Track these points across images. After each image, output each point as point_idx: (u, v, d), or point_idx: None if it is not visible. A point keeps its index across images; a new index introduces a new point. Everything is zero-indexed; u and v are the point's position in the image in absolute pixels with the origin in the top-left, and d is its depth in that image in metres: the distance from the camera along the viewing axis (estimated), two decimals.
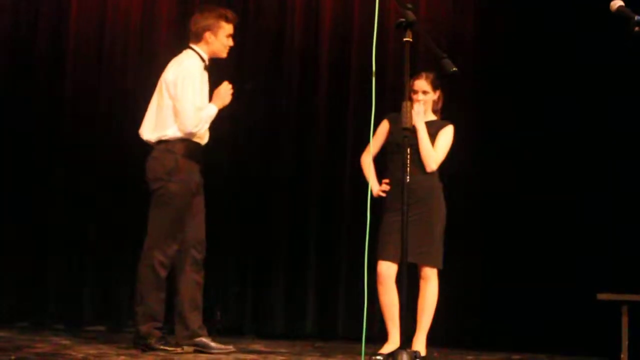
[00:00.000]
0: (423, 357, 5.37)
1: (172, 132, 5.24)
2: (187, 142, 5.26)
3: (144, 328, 5.20)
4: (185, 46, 5.45)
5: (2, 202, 7.31)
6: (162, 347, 5.17)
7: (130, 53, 7.60)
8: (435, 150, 5.46)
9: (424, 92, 5.53)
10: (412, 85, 5.49)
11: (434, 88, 5.58)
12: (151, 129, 5.33)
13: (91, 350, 5.14)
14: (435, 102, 5.64)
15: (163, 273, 5.25)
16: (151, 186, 5.29)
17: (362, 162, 5.64)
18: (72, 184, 7.39)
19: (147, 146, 5.40)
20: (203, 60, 5.38)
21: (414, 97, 5.50)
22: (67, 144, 7.47)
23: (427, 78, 5.53)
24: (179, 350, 5.20)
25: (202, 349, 5.27)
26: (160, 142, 5.28)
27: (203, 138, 5.38)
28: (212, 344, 5.32)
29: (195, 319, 5.34)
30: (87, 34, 7.60)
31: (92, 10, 7.62)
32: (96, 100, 7.53)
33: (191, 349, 5.30)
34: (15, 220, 7.27)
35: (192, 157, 5.28)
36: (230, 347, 5.41)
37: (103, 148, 7.43)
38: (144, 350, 5.13)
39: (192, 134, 5.24)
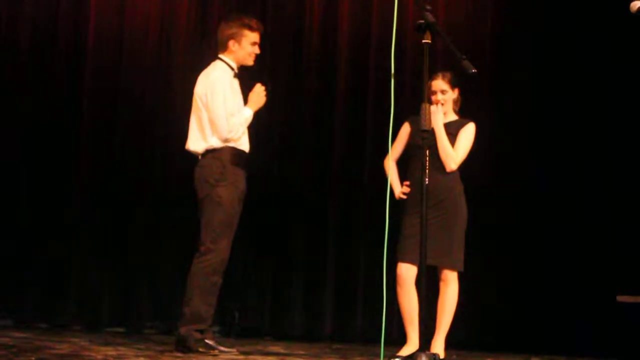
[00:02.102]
0: (442, 359, 5.36)
1: (214, 141, 5.37)
2: (232, 150, 5.37)
3: (183, 329, 5.25)
4: (208, 51, 5.53)
5: (23, 203, 7.33)
6: (200, 349, 5.20)
7: (150, 44, 7.61)
8: (455, 150, 5.44)
9: (443, 92, 5.52)
10: (430, 86, 5.48)
11: (452, 86, 5.56)
12: (196, 141, 5.44)
13: (110, 351, 5.16)
14: (455, 101, 5.62)
15: (216, 278, 5.32)
16: (200, 193, 5.38)
17: (385, 165, 5.63)
18: (92, 184, 7.40)
19: (188, 154, 5.49)
20: (232, 69, 5.48)
21: (433, 97, 5.49)
22: (87, 141, 7.48)
23: (444, 77, 5.51)
24: (214, 352, 5.21)
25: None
26: (207, 151, 5.39)
27: (245, 145, 5.47)
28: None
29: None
30: (107, 30, 7.60)
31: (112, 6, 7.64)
32: (114, 99, 7.54)
33: (234, 350, 5.33)
34: (35, 221, 7.29)
35: (238, 164, 5.39)
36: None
37: (122, 148, 7.44)
38: (182, 352, 5.16)
39: (230, 140, 5.36)
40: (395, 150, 5.58)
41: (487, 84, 7.15)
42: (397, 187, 5.53)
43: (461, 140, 5.48)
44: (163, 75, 7.48)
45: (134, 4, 7.61)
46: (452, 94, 5.57)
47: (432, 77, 5.51)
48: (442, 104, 5.50)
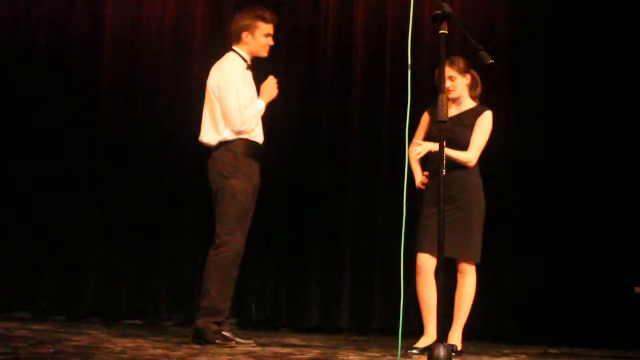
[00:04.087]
0: (459, 351, 5.35)
1: (228, 134, 5.36)
2: (245, 142, 5.36)
3: (200, 322, 5.27)
4: (224, 46, 5.56)
5: (42, 198, 7.36)
6: (217, 341, 5.20)
7: (166, 40, 7.62)
8: (471, 144, 5.40)
9: (451, 78, 5.42)
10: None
11: (462, 72, 5.47)
12: (209, 133, 5.44)
13: (129, 343, 5.17)
14: (469, 87, 5.56)
15: (232, 271, 5.33)
16: (214, 186, 5.38)
17: (409, 154, 5.61)
18: (110, 180, 7.43)
19: (204, 148, 5.49)
20: (245, 61, 5.47)
21: (445, 86, 5.42)
22: (103, 138, 7.52)
23: (451, 64, 5.38)
24: (232, 344, 5.22)
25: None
26: (220, 144, 5.38)
27: (259, 137, 5.46)
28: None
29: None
30: (123, 27, 7.63)
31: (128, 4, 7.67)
32: (133, 93, 7.57)
33: (251, 342, 5.35)
34: (54, 216, 7.33)
35: (252, 156, 5.39)
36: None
37: (139, 142, 7.47)
38: (200, 344, 5.17)
39: (243, 132, 5.34)
40: (418, 138, 5.56)
41: (503, 76, 7.11)
42: (418, 176, 5.53)
43: (476, 134, 5.42)
44: (179, 68, 7.50)
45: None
46: (463, 80, 5.49)
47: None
48: (452, 91, 5.41)
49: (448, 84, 5.40)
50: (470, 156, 5.40)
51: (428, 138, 5.49)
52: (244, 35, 5.46)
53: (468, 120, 5.45)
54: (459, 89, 5.48)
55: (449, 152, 5.23)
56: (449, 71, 5.40)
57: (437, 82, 5.32)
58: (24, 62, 7.58)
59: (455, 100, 5.46)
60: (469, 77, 5.51)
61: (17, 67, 7.56)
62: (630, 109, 6.96)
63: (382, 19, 7.50)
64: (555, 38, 7.18)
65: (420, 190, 5.48)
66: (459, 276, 5.40)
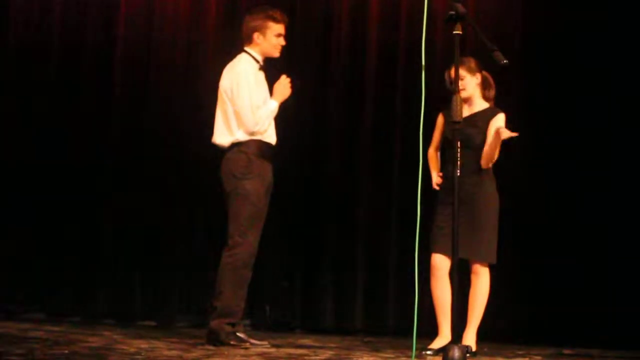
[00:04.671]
0: (474, 352, 5.34)
1: (240, 134, 5.36)
2: (258, 142, 5.37)
3: (213, 323, 5.28)
4: (237, 48, 5.55)
5: (56, 200, 7.38)
6: (231, 342, 5.21)
7: (179, 41, 7.64)
8: (486, 145, 5.40)
9: (460, 77, 5.38)
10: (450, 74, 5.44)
11: (472, 72, 5.45)
12: (222, 134, 5.44)
13: (143, 344, 5.19)
14: (481, 87, 5.53)
15: (246, 272, 5.33)
16: (226, 187, 5.38)
17: (428, 155, 5.63)
18: (123, 182, 7.44)
19: (217, 149, 5.50)
20: (257, 62, 5.47)
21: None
22: (116, 140, 7.53)
23: (461, 64, 5.26)
24: (246, 345, 5.23)
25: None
26: (233, 145, 5.38)
27: (271, 137, 5.46)
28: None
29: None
30: (136, 30, 7.65)
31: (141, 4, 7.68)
32: (146, 95, 7.59)
33: (265, 343, 5.36)
34: (68, 217, 7.35)
35: (264, 157, 5.39)
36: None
37: (151, 145, 7.48)
38: (214, 345, 5.18)
39: (256, 133, 5.35)
40: (435, 139, 5.61)
41: (517, 76, 7.08)
42: (435, 177, 5.54)
43: (491, 136, 5.41)
44: (191, 70, 7.51)
45: (162, 1, 7.66)
46: (473, 79, 5.47)
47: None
48: (462, 90, 5.33)
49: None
50: (491, 159, 5.43)
51: (443, 139, 5.50)
52: (255, 35, 5.46)
53: (481, 121, 5.44)
54: (469, 88, 5.46)
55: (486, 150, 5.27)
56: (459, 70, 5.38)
57: (447, 84, 5.36)
58: (37, 64, 7.59)
59: (466, 100, 5.43)
60: (479, 76, 5.49)
61: (32, 69, 7.58)
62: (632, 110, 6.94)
63: (396, 19, 7.48)
64: (566, 39, 7.15)
65: (435, 190, 5.48)
66: (472, 277, 5.40)
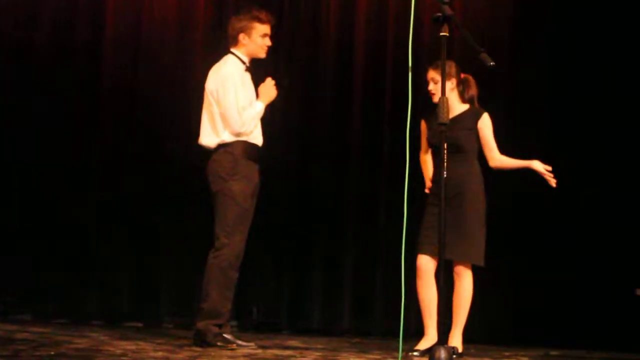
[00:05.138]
0: (460, 353, 5.35)
1: (226, 135, 5.35)
2: (244, 143, 5.36)
3: (200, 324, 5.27)
4: (225, 49, 5.54)
5: (45, 200, 7.36)
6: (218, 343, 5.20)
7: (167, 41, 7.63)
8: (489, 146, 5.47)
9: (433, 80, 5.40)
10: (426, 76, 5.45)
11: (447, 76, 5.43)
12: (208, 136, 5.43)
13: (129, 346, 5.17)
14: (458, 91, 5.50)
15: (232, 273, 5.32)
16: (213, 188, 5.37)
17: (420, 160, 5.67)
18: (112, 182, 7.42)
19: (203, 151, 5.49)
20: (243, 63, 5.46)
21: (428, 88, 5.44)
22: (102, 140, 7.52)
23: (436, 66, 5.32)
24: (233, 346, 5.22)
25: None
26: (219, 146, 5.38)
27: (258, 138, 5.45)
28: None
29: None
30: (124, 29, 7.64)
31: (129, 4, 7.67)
32: (133, 96, 7.58)
33: (252, 344, 5.35)
34: (55, 218, 7.33)
35: (250, 158, 5.38)
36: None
37: (140, 146, 7.47)
38: (201, 347, 5.17)
39: (242, 134, 5.34)
40: (423, 145, 5.63)
41: (505, 77, 7.10)
42: (427, 181, 5.59)
43: (488, 137, 5.46)
44: (178, 71, 7.50)
45: (151, 2, 7.64)
46: (447, 84, 5.44)
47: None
48: (434, 94, 5.38)
49: (431, 86, 5.44)
50: (496, 155, 5.47)
51: (428, 143, 5.54)
52: (241, 36, 5.45)
53: (466, 123, 5.44)
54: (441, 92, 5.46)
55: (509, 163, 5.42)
56: (432, 73, 5.43)
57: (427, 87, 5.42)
58: (23, 62, 7.56)
59: None
60: (454, 80, 5.46)
61: (17, 68, 7.55)
62: (632, 110, 6.97)
63: (384, 20, 7.49)
64: (556, 38, 7.17)
65: (426, 192, 5.52)
66: (455, 278, 5.37)
